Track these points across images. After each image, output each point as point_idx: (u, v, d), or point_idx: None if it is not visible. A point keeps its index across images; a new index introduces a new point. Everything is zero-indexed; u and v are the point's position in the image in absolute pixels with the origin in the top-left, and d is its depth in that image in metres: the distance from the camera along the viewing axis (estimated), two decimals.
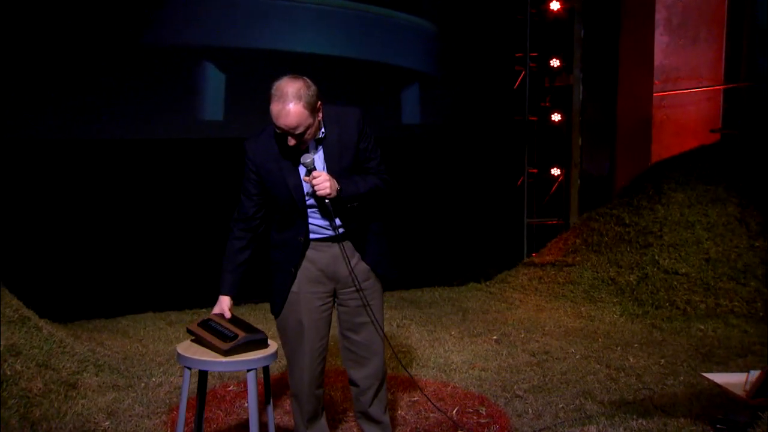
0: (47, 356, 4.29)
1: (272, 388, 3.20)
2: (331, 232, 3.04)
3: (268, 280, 3.16)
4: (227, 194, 4.38)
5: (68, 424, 3.75)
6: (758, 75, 7.67)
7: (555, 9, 8.40)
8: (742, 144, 7.30)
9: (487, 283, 7.38)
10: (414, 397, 4.22)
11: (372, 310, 3.14)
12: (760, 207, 6.46)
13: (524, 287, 7.02)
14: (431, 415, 3.97)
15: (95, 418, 3.85)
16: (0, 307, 4.38)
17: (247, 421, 3.79)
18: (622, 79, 8.16)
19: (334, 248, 3.06)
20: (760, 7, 7.65)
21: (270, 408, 3.16)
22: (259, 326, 3.11)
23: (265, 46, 6.89)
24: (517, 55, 8.46)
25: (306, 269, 3.07)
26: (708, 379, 3.80)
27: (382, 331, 3.20)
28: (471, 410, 4.06)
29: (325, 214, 3.00)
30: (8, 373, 3.91)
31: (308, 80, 2.82)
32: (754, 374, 3.48)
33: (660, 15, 7.73)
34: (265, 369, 3.04)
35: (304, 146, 2.90)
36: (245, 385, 4.27)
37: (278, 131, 2.83)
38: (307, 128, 2.82)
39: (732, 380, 3.64)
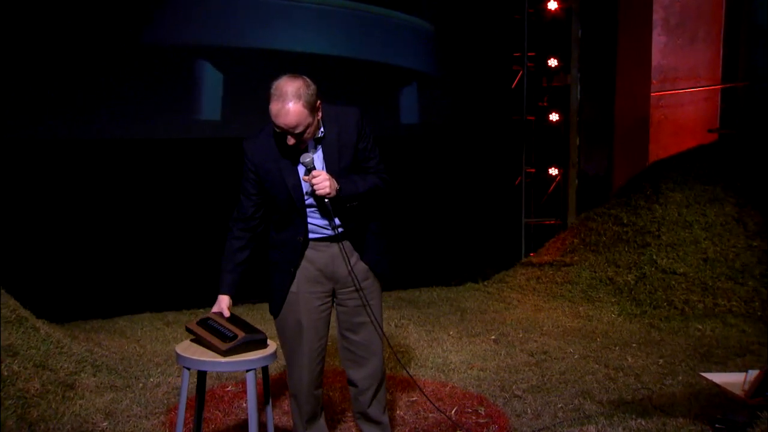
0: (45, 357, 4.28)
1: (271, 389, 3.19)
2: (330, 232, 3.03)
3: (266, 280, 3.16)
4: (225, 194, 4.38)
5: (66, 424, 3.74)
6: (756, 75, 7.68)
7: (552, 9, 8.40)
8: (739, 144, 7.30)
9: (485, 283, 7.38)
10: (413, 397, 4.21)
11: (371, 310, 3.13)
12: (757, 207, 6.47)
13: (522, 287, 7.02)
14: (430, 415, 3.97)
15: (93, 419, 3.84)
16: None
17: (245, 421, 3.79)
18: (620, 79, 8.16)
19: (333, 248, 3.05)
20: (758, 7, 7.66)
21: (269, 408, 3.16)
22: (258, 326, 3.09)
23: (263, 46, 6.89)
24: (514, 54, 8.45)
25: (305, 269, 3.06)
26: (706, 379, 3.80)
27: (382, 330, 3.19)
28: (470, 410, 4.06)
29: (325, 213, 2.99)
30: (5, 373, 3.90)
31: (307, 79, 2.81)
32: (753, 374, 3.48)
33: (657, 15, 7.73)
34: (265, 369, 3.04)
35: (303, 145, 2.89)
36: (244, 386, 4.26)
37: (277, 130, 2.82)
38: (307, 127, 2.81)
39: (730, 380, 3.64)
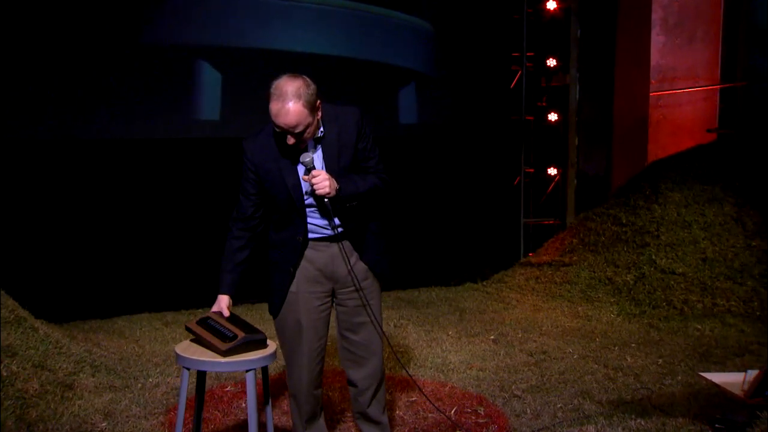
0: (43, 357, 4.27)
1: (270, 389, 3.19)
2: (329, 232, 3.03)
3: (266, 280, 3.15)
4: (224, 194, 4.37)
5: (65, 425, 3.74)
6: (754, 74, 7.68)
7: (551, 9, 8.40)
8: (738, 143, 7.31)
9: (484, 283, 7.38)
10: (412, 397, 4.21)
11: (371, 310, 3.13)
12: (756, 206, 6.47)
13: (521, 287, 7.02)
14: (429, 415, 3.97)
15: (92, 419, 3.83)
16: None
17: (244, 421, 3.79)
18: (619, 79, 8.16)
19: (333, 248, 3.05)
20: (756, 7, 7.66)
21: (269, 408, 3.15)
22: (256, 326, 3.09)
23: (262, 46, 6.88)
24: (513, 54, 8.45)
25: (304, 269, 3.06)
26: (706, 379, 3.80)
27: (381, 330, 3.19)
28: (469, 410, 4.06)
29: (324, 213, 2.99)
30: (4, 374, 3.89)
31: (307, 79, 2.81)
32: (752, 374, 3.48)
33: (656, 15, 7.73)
34: (264, 369, 3.03)
35: (303, 145, 2.89)
36: (243, 386, 4.26)
37: (277, 130, 2.82)
38: (307, 127, 2.81)
39: (730, 380, 3.64)
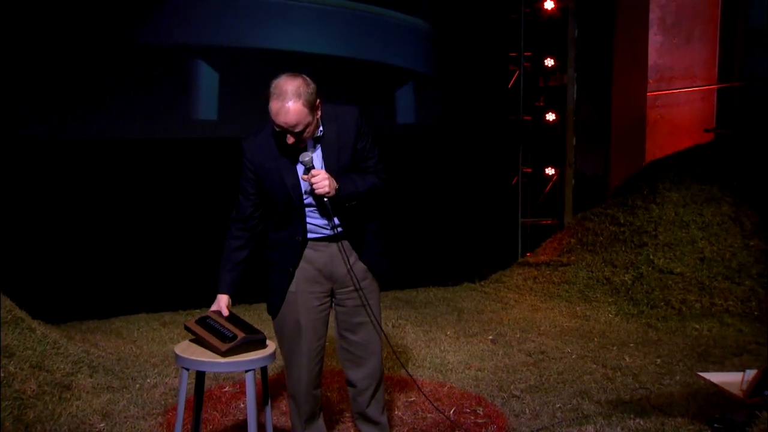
0: (41, 358, 4.26)
1: (269, 389, 3.18)
2: (329, 232, 3.02)
3: (265, 280, 3.14)
4: (222, 194, 4.37)
5: (63, 425, 3.72)
6: (752, 74, 7.69)
7: (549, 8, 8.41)
8: (736, 143, 7.31)
9: (482, 283, 7.38)
10: (411, 397, 4.20)
11: (370, 310, 3.12)
12: (754, 206, 6.48)
13: (519, 287, 7.02)
14: (428, 415, 3.96)
15: (90, 420, 3.82)
16: None
17: (243, 421, 3.78)
18: (616, 79, 8.17)
19: (332, 248, 3.05)
20: (753, 7, 7.67)
21: (268, 409, 3.14)
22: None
23: (259, 45, 6.87)
24: (511, 54, 8.46)
25: (303, 269, 3.05)
26: (704, 379, 3.80)
27: (381, 330, 3.18)
28: (468, 410, 4.05)
29: (324, 213, 2.98)
30: (2, 375, 3.88)
31: (307, 78, 2.80)
32: (751, 373, 3.49)
33: (654, 14, 7.74)
34: (263, 369, 3.02)
35: (302, 145, 2.88)
36: (241, 386, 4.25)
37: (277, 129, 2.81)
38: (306, 126, 2.80)
39: (728, 379, 3.65)
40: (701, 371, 4.23)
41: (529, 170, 8.68)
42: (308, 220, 3.01)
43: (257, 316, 5.76)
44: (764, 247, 6.18)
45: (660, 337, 5.46)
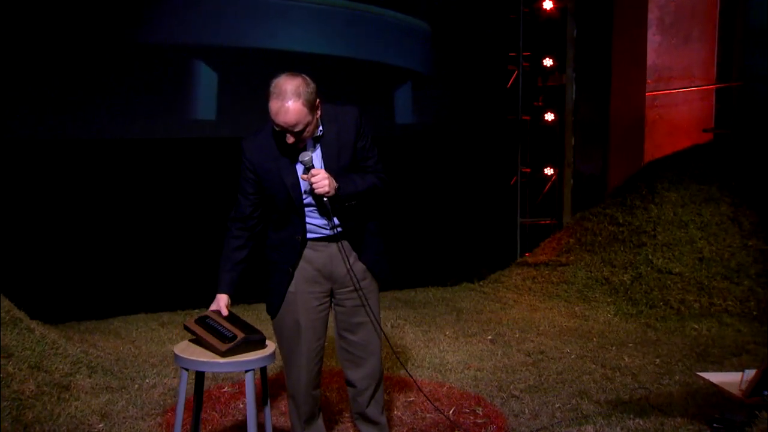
0: (40, 358, 4.25)
1: (268, 389, 3.17)
2: (328, 232, 3.02)
3: (264, 280, 3.14)
4: (220, 194, 4.36)
5: (61, 426, 3.72)
6: (750, 74, 7.70)
7: (548, 8, 8.41)
8: (734, 143, 7.32)
9: (481, 283, 7.38)
10: (410, 397, 4.20)
11: (369, 310, 3.12)
12: (753, 206, 6.48)
13: (518, 287, 7.02)
14: (428, 415, 3.96)
15: (89, 420, 3.81)
16: None
17: (242, 422, 3.77)
18: (615, 79, 8.17)
19: (331, 248, 3.04)
20: (752, 7, 7.68)
21: (267, 409, 3.13)
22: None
23: (258, 45, 6.86)
24: (510, 54, 8.46)
25: (303, 269, 3.05)
26: (703, 379, 3.80)
27: (381, 330, 3.18)
28: (468, 410, 4.05)
29: (323, 212, 2.97)
30: (0, 375, 3.87)
31: (307, 78, 2.80)
32: (750, 373, 3.48)
33: (652, 15, 7.75)
34: (263, 370, 3.01)
35: (302, 144, 2.88)
36: (240, 386, 4.25)
37: (277, 129, 2.81)
38: (306, 126, 2.80)
39: (727, 379, 3.64)
40: (700, 371, 4.24)
41: (528, 170, 8.69)
42: (308, 220, 3.00)
43: (255, 316, 5.75)
44: (763, 247, 6.18)
45: (659, 337, 5.46)
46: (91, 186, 6.32)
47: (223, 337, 2.87)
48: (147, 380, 4.45)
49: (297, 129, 2.78)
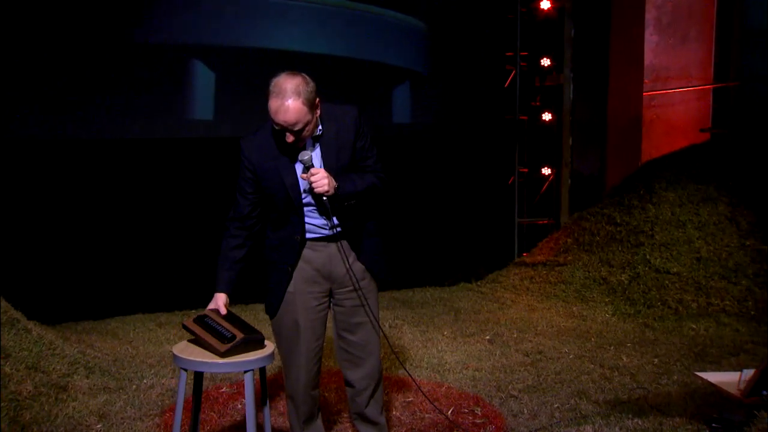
0: (37, 359, 4.24)
1: (267, 389, 3.16)
2: (327, 232, 3.01)
3: (263, 280, 3.13)
4: (218, 194, 4.35)
5: (59, 427, 3.71)
6: (747, 74, 7.71)
7: (545, 8, 8.41)
8: (732, 143, 7.33)
9: (479, 283, 7.37)
10: (408, 397, 4.19)
11: (368, 310, 3.12)
12: (750, 206, 6.49)
13: (516, 287, 7.02)
14: (426, 415, 3.95)
15: (87, 421, 3.80)
16: None
17: (241, 422, 3.76)
18: (613, 79, 8.18)
19: (331, 248, 3.04)
20: (749, 7, 7.69)
21: (266, 409, 3.13)
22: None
23: (255, 45, 6.85)
24: (507, 54, 8.46)
25: (302, 269, 3.04)
26: (702, 378, 3.81)
27: (380, 330, 3.17)
28: (466, 410, 4.05)
29: (323, 212, 2.97)
30: None
31: (306, 76, 2.80)
32: (748, 373, 3.49)
33: (650, 14, 7.76)
34: (262, 370, 3.00)
35: (301, 143, 2.87)
36: (239, 386, 4.24)
37: (276, 127, 2.80)
38: (306, 125, 2.79)
39: (726, 379, 3.65)
40: (698, 371, 4.24)
41: (526, 170, 8.69)
42: (307, 219, 3.00)
43: (253, 316, 5.73)
44: (760, 246, 6.19)
45: (657, 337, 5.47)
46: (90, 186, 6.31)
47: (222, 337, 2.86)
48: (145, 381, 4.44)
49: (297, 128, 2.77)
